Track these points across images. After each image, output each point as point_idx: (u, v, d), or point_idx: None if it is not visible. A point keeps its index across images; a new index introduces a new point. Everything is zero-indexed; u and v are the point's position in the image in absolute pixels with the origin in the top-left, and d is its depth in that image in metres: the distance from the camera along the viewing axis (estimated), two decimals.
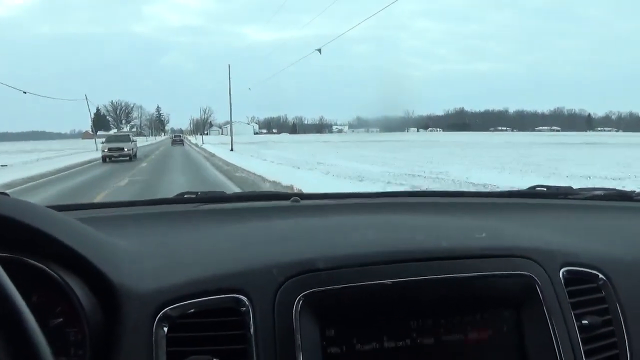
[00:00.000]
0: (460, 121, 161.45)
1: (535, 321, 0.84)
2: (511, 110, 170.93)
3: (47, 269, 0.70)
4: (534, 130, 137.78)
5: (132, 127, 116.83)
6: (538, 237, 1.04)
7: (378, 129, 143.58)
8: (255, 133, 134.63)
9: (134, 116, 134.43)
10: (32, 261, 0.70)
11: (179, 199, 1.32)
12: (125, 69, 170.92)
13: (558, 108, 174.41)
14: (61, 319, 0.71)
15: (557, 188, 1.50)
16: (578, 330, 0.85)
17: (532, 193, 1.50)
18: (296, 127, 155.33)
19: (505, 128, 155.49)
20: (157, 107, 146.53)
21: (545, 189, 1.49)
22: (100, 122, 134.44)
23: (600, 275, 0.93)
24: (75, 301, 0.70)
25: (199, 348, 0.73)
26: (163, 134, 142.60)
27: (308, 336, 0.75)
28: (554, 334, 0.83)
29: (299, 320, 0.75)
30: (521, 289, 0.86)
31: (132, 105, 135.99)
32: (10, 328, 0.47)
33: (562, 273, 0.89)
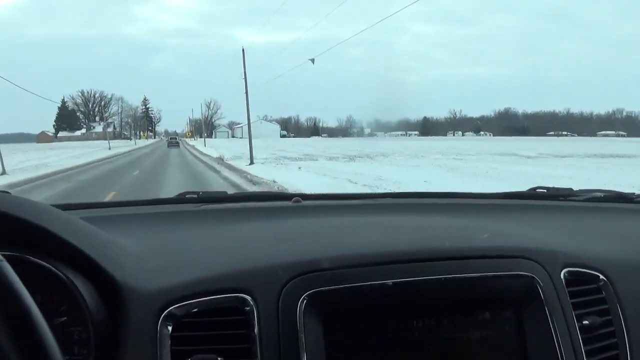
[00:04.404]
0: (513, 123, 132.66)
1: (536, 321, 0.85)
2: (571, 111, 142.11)
3: (51, 267, 0.70)
4: (595, 135, 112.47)
5: (107, 125, 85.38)
6: (539, 237, 1.04)
7: (417, 132, 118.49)
8: (282, 136, 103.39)
9: (112, 111, 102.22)
10: (37, 259, 0.70)
11: (181, 199, 1.31)
12: (116, 71, 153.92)
13: (617, 109, 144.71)
14: (65, 318, 0.71)
15: (557, 189, 1.50)
16: (579, 330, 0.86)
17: (532, 194, 1.50)
18: (319, 130, 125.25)
19: (566, 132, 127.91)
20: (144, 99, 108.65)
21: (545, 191, 1.50)
22: (67, 119, 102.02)
23: (601, 276, 0.93)
24: (79, 300, 0.70)
25: (203, 347, 0.73)
26: (153, 136, 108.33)
27: (312, 335, 0.75)
28: (555, 334, 0.84)
29: (303, 319, 0.75)
30: (523, 290, 0.86)
31: (109, 97, 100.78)
32: (22, 329, 0.47)
33: (563, 274, 0.90)
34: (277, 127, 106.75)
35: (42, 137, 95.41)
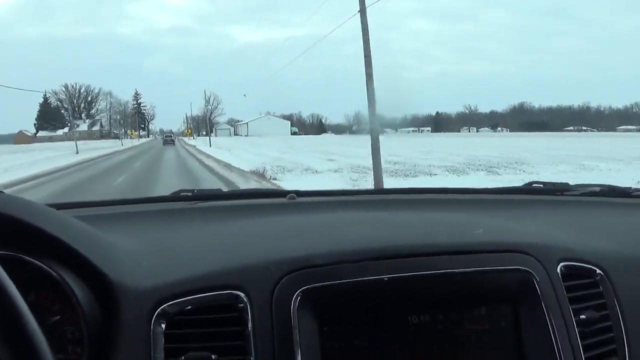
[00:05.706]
0: (529, 118, 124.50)
1: (533, 316, 0.85)
2: (591, 105, 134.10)
3: (44, 266, 0.70)
4: (615, 130, 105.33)
5: (92, 123, 75.85)
6: (535, 232, 1.04)
7: (429, 129, 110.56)
8: (293, 133, 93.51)
9: (100, 107, 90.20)
10: (30, 259, 0.70)
11: (175, 197, 1.31)
12: (111, 70, 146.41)
13: (635, 103, 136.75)
14: (59, 317, 0.71)
15: (554, 184, 1.50)
16: (576, 324, 0.86)
17: (528, 189, 1.51)
18: (325, 127, 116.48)
19: (585, 128, 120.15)
20: (135, 92, 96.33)
21: (541, 186, 1.50)
22: (50, 116, 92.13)
23: (598, 271, 0.93)
24: (73, 299, 0.70)
25: (196, 344, 0.73)
26: (147, 134, 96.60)
27: (306, 332, 0.75)
28: (552, 328, 0.83)
29: (297, 316, 0.75)
30: (519, 284, 0.86)
31: (97, 91, 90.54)
32: (11, 328, 0.47)
33: (560, 268, 0.90)
34: (287, 124, 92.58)
35: (19, 138, 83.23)
